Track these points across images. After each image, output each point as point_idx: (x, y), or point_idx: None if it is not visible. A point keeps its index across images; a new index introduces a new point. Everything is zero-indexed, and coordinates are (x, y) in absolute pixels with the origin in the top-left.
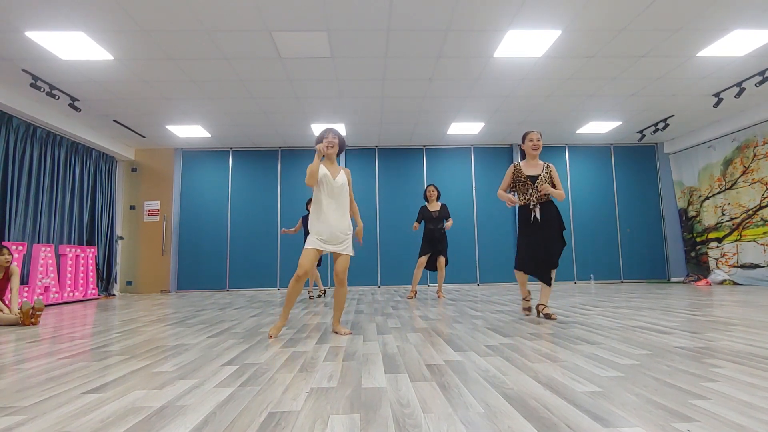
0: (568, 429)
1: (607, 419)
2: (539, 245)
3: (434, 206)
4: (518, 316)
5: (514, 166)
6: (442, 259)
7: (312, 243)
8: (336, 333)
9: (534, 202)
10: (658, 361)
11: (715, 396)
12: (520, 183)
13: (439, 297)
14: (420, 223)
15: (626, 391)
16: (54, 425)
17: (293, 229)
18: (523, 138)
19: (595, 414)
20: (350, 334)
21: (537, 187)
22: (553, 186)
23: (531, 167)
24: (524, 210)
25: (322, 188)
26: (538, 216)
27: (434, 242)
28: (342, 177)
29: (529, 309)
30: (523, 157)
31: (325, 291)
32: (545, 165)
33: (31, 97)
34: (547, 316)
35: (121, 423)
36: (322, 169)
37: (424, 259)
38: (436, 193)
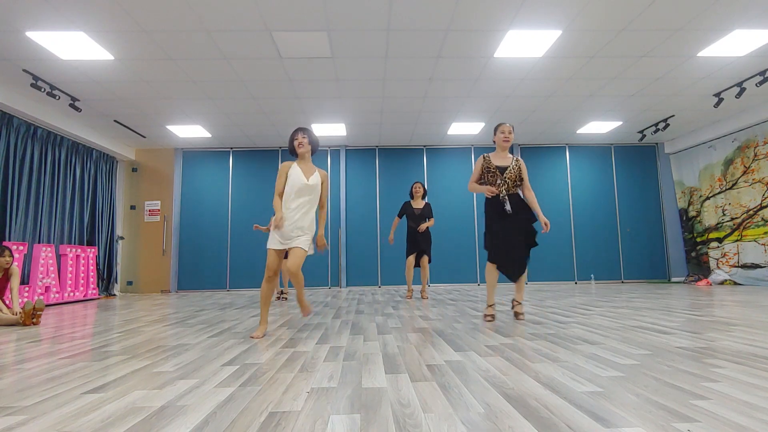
0: (569, 429)
1: (608, 419)
2: (513, 238)
3: (418, 203)
4: None
5: (484, 158)
6: (425, 258)
7: (272, 243)
8: (301, 309)
9: (503, 193)
10: (658, 361)
11: (716, 396)
12: (489, 174)
13: (423, 298)
14: (401, 218)
15: (627, 391)
16: (54, 425)
17: (266, 227)
18: (495, 129)
19: (595, 414)
20: (311, 312)
21: (506, 178)
22: (521, 180)
23: (500, 159)
24: (494, 202)
25: (292, 187)
26: (509, 209)
27: (417, 241)
28: (316, 178)
29: (493, 316)
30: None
31: (282, 292)
32: (514, 158)
33: (31, 97)
34: (516, 315)
35: (122, 423)
36: (294, 168)
37: (412, 259)
38: (421, 190)
